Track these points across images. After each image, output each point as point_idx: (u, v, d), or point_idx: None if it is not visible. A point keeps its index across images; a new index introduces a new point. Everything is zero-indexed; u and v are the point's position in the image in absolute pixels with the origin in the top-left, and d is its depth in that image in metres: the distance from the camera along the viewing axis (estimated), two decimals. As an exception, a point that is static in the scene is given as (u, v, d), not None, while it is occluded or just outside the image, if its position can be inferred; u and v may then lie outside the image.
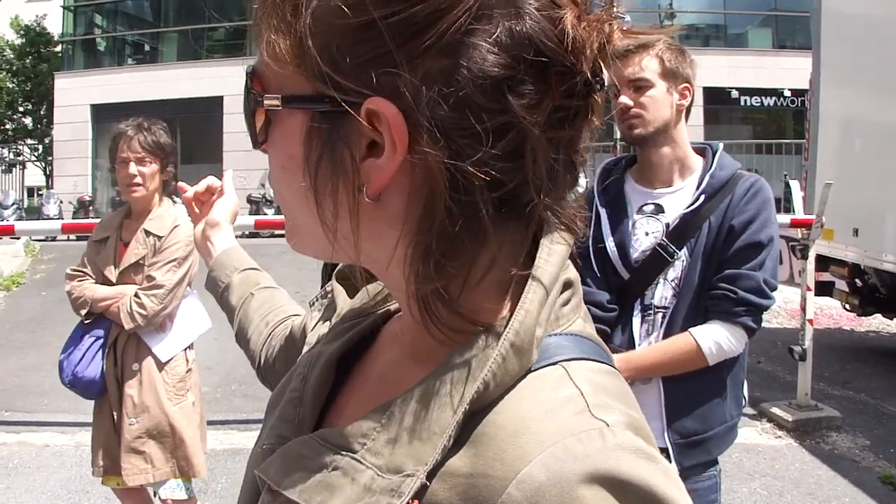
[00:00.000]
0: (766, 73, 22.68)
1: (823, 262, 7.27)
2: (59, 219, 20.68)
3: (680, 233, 2.17)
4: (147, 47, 28.67)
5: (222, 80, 24.84)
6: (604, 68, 0.58)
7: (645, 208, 2.25)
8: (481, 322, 0.60)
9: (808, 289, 5.90)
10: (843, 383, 6.81)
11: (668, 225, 2.19)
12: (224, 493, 4.50)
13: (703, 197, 2.16)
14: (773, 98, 23.43)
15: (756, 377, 6.51)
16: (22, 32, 30.95)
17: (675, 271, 2.17)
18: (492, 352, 0.57)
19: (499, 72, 0.54)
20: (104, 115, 24.60)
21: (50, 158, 28.36)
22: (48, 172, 29.01)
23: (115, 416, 3.17)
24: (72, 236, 9.26)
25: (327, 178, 0.59)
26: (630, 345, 2.19)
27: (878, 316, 8.12)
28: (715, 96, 21.98)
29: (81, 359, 3.15)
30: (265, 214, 20.70)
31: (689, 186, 2.22)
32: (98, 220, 3.87)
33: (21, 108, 31.18)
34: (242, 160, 23.64)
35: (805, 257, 5.87)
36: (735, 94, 23.39)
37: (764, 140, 19.78)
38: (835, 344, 8.16)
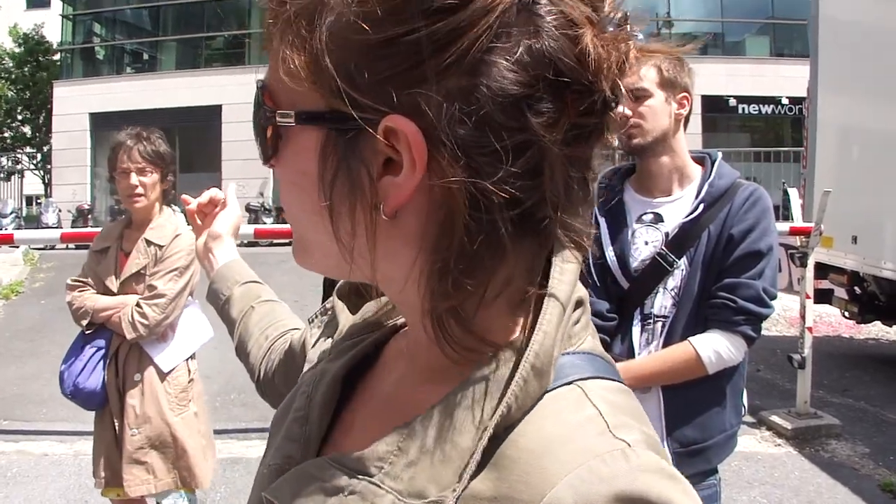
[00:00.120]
0: (764, 80, 22.75)
1: (822, 270, 7.26)
2: (57, 227, 20.72)
3: (679, 242, 2.17)
4: (146, 56, 28.76)
5: (221, 88, 24.93)
6: (621, 86, 0.58)
7: (644, 217, 2.25)
8: (494, 341, 0.60)
9: (808, 296, 5.89)
10: (843, 391, 6.81)
11: (667, 234, 2.20)
12: (223, 502, 4.50)
13: (702, 206, 2.17)
14: (771, 106, 23.52)
15: (755, 385, 6.51)
16: (21, 41, 31.02)
17: (674, 280, 2.18)
18: (509, 372, 0.57)
19: (518, 90, 0.53)
20: (103, 123, 24.65)
21: (49, 167, 28.41)
22: (47, 181, 29.05)
23: (117, 427, 3.15)
24: (70, 245, 9.26)
25: (344, 196, 0.58)
26: (630, 354, 2.19)
27: (878, 323, 8.10)
28: (713, 104, 22.04)
29: (83, 369, 3.13)
30: (264, 223, 20.71)
31: (688, 195, 2.22)
32: (97, 229, 3.87)
33: (20, 117, 31.26)
34: (241, 169, 23.70)
35: (804, 265, 5.87)
36: (733, 102, 23.46)
37: (762, 148, 19.86)
38: (834, 352, 8.16)
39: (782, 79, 21.79)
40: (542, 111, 0.54)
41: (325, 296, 2.59)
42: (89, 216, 23.61)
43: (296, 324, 1.22)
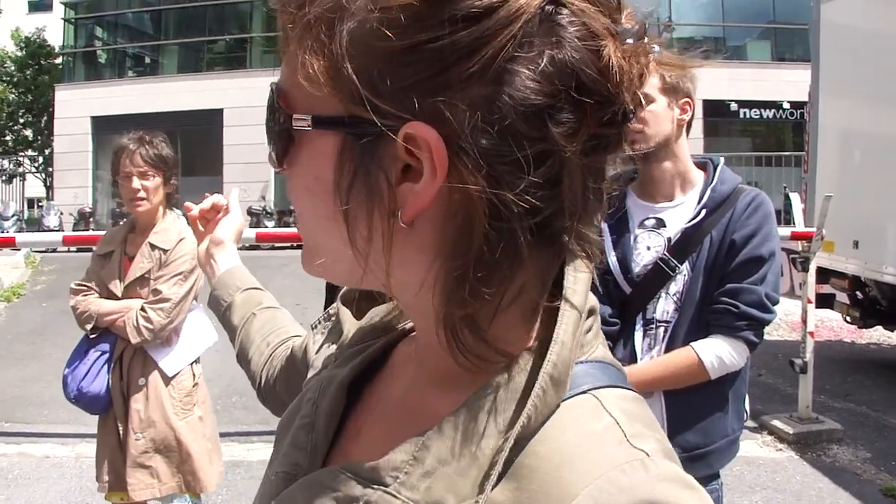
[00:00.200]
0: (766, 85, 22.77)
1: (824, 275, 7.26)
2: (59, 230, 20.70)
3: (681, 247, 2.17)
4: (147, 60, 28.80)
5: (222, 92, 24.96)
6: (640, 98, 0.59)
7: (646, 222, 2.25)
8: (507, 350, 0.60)
9: (809, 301, 5.90)
10: (844, 396, 6.80)
11: (669, 239, 2.20)
12: (224, 505, 4.50)
13: (704, 211, 2.17)
14: (773, 110, 23.52)
15: (757, 390, 6.50)
16: (23, 44, 31.08)
17: (676, 285, 2.18)
18: (524, 382, 0.58)
19: (541, 100, 0.53)
20: (104, 127, 24.69)
21: (50, 170, 28.45)
22: (48, 184, 29.07)
23: (121, 431, 3.15)
24: (72, 248, 9.26)
25: (361, 203, 0.57)
26: (632, 359, 2.19)
27: (879, 328, 8.11)
28: (714, 109, 22.04)
29: (87, 373, 3.12)
30: (266, 227, 20.74)
31: (690, 201, 2.22)
32: (99, 233, 3.86)
33: (22, 120, 31.28)
34: (242, 172, 23.74)
35: (805, 270, 5.88)
36: (734, 106, 23.46)
37: (763, 152, 19.84)
38: (836, 356, 8.15)
39: (784, 83, 21.80)
40: (562, 121, 0.54)
41: (328, 300, 2.60)
42: (91, 219, 23.63)
43: (297, 331, 1.22)
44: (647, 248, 2.23)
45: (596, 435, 0.56)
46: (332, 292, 2.53)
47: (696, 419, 2.16)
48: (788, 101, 22.14)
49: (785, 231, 5.76)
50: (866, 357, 8.41)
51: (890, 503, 4.65)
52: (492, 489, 0.54)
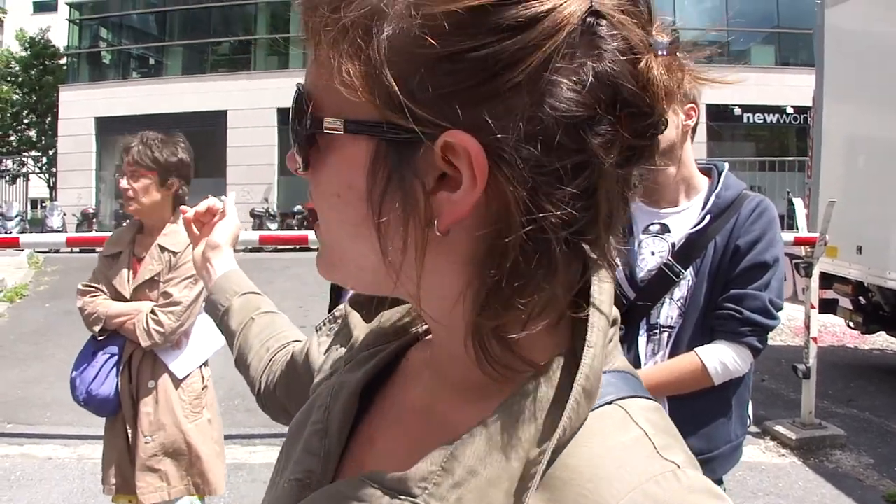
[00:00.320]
0: (770, 90, 22.73)
1: (827, 280, 7.24)
2: (62, 231, 20.77)
3: (686, 252, 2.17)
4: (152, 61, 28.83)
5: (226, 94, 25.01)
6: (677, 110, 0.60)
7: (651, 228, 2.25)
8: (534, 360, 0.59)
9: (812, 306, 5.89)
10: (847, 401, 6.79)
11: (674, 244, 2.20)
12: (227, 508, 4.50)
13: (708, 217, 2.17)
14: (776, 115, 23.50)
15: (760, 395, 6.50)
16: (27, 45, 31.15)
17: (680, 291, 2.18)
18: (554, 392, 0.57)
19: (582, 112, 0.53)
20: (108, 127, 24.75)
21: (54, 170, 28.49)
22: (52, 184, 29.12)
23: (130, 434, 3.12)
24: (75, 249, 9.28)
25: (394, 210, 0.56)
26: (636, 364, 2.19)
27: (882, 333, 8.08)
28: (718, 113, 22.05)
29: (96, 376, 3.09)
30: (269, 229, 20.76)
31: (694, 206, 2.22)
32: (103, 234, 3.85)
33: (26, 120, 31.35)
34: (245, 174, 23.77)
35: (809, 275, 5.87)
36: (738, 111, 23.45)
37: (767, 157, 19.81)
38: (839, 362, 8.13)
39: (787, 88, 21.79)
40: (601, 133, 0.54)
41: (332, 303, 2.59)
42: (94, 220, 23.69)
43: (296, 335, 1.21)
44: (651, 254, 2.22)
45: (626, 447, 0.56)
46: (336, 294, 2.52)
47: (699, 424, 2.16)
48: (792, 106, 22.16)
49: (788, 236, 5.75)
50: (869, 362, 8.39)
51: (893, 509, 4.64)
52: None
